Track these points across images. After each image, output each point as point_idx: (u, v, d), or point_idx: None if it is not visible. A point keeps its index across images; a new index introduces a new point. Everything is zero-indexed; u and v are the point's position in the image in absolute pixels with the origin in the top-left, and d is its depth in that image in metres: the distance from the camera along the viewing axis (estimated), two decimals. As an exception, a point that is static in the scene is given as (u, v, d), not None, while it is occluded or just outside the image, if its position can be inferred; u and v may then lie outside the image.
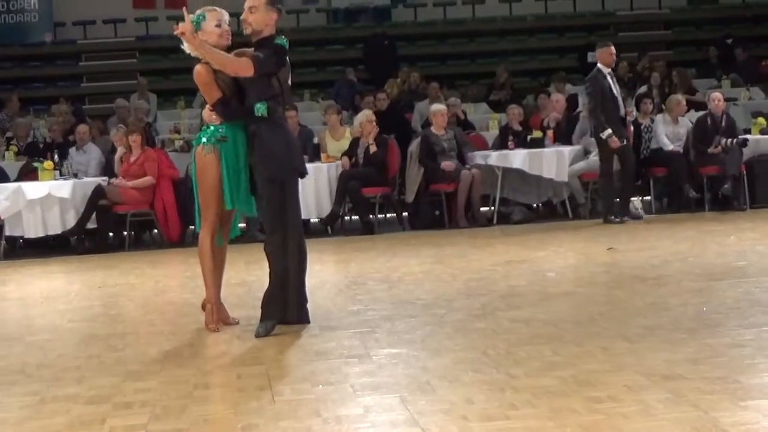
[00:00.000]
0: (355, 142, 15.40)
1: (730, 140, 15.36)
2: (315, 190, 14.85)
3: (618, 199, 14.75)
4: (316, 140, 16.26)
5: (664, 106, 16.44)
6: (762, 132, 16.28)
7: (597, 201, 15.54)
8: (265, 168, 7.53)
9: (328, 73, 22.69)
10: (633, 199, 15.27)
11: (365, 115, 15.53)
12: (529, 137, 15.91)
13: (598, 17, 24.69)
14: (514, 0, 24.71)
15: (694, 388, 5.21)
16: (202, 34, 7.64)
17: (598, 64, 14.81)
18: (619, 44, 16.55)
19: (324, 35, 23.92)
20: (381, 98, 17.64)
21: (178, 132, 17.88)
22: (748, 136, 15.83)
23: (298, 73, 23.18)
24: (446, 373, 5.93)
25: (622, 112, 14.59)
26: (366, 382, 5.87)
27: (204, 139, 7.83)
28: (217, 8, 7.90)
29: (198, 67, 7.71)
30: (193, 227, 15.14)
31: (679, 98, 16.47)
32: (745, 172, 15.49)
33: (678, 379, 5.40)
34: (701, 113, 16.29)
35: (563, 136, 16.18)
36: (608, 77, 14.60)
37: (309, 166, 14.81)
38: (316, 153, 15.75)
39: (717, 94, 16.13)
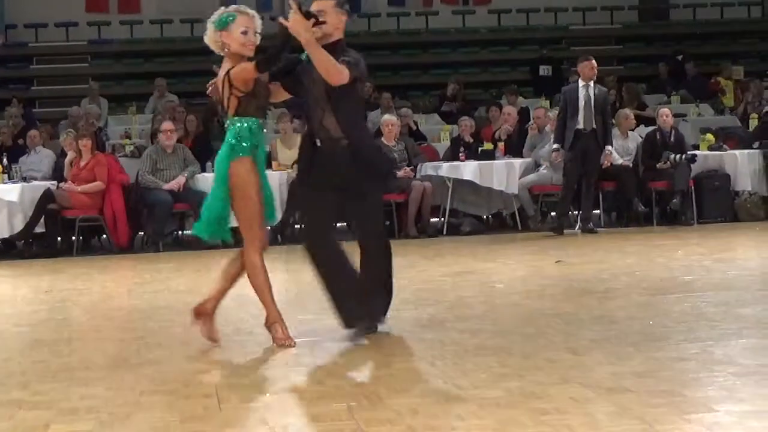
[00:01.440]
0: (306, 151, 15.36)
1: (678, 156, 15.48)
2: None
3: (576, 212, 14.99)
4: (267, 148, 16.20)
5: (614, 121, 16.54)
6: (710, 148, 16.43)
7: (548, 213, 15.65)
8: (374, 171, 7.37)
9: (282, 82, 22.60)
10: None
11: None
12: (480, 149, 15.98)
13: (551, 31, 24.85)
14: (467, 12, 24.86)
15: (639, 401, 5.24)
16: (226, 35, 7.10)
17: (578, 77, 14.92)
18: (570, 58, 16.66)
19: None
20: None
21: (128, 137, 17.80)
22: (696, 152, 15.97)
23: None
24: (393, 383, 5.94)
25: (581, 125, 14.64)
26: (313, 390, 5.87)
27: (240, 153, 7.09)
28: (250, 12, 7.24)
29: (249, 65, 6.99)
30: (142, 233, 15.18)
31: (628, 113, 16.61)
32: (693, 187, 15.63)
33: (624, 392, 5.43)
34: (651, 128, 16.42)
35: (514, 149, 16.27)
36: (583, 90, 14.67)
37: (260, 173, 15.06)
38: (268, 161, 15.68)
39: (666, 110, 16.28)
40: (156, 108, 19.73)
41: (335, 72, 6.98)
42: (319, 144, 7.26)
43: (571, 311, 8.29)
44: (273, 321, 7.21)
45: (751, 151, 16.28)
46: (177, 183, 14.68)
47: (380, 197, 7.68)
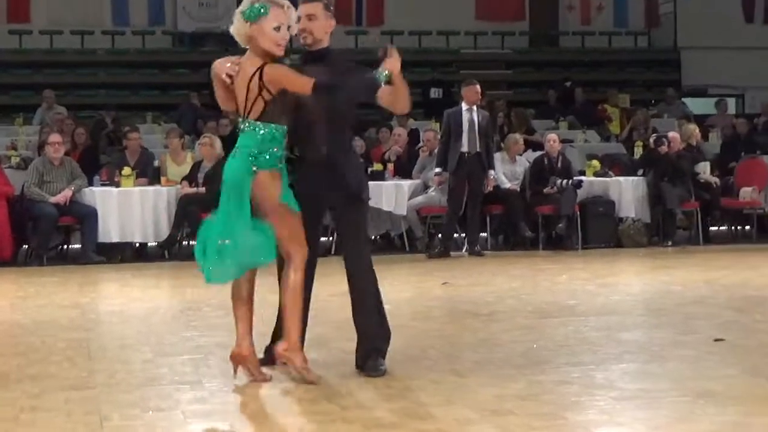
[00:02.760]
0: (196, 167, 15.30)
1: (565, 181, 15.69)
2: (153, 213, 14.74)
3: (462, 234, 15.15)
4: (156, 163, 16.11)
5: (503, 145, 16.71)
6: (596, 174, 16.67)
7: (435, 235, 15.74)
8: (360, 186, 7.11)
9: (172, 97, 22.50)
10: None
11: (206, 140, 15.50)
12: (369, 170, 16.01)
13: (442, 54, 25.06)
14: (359, 32, 24.93)
15: (522, 423, 5.30)
16: (256, 29, 6.45)
17: (462, 101, 15.04)
18: (461, 81, 16.80)
19: (169, 58, 23.75)
20: (224, 124, 17.58)
21: (15, 149, 17.53)
22: (582, 178, 16.19)
23: (142, 95, 23.16)
24: (278, 403, 5.93)
25: (465, 149, 14.76)
26: (197, 409, 5.83)
27: (263, 166, 6.43)
28: (285, 2, 6.58)
29: (303, 81, 6.41)
30: (26, 246, 14.95)
31: (517, 137, 16.79)
32: (578, 212, 15.83)
33: (507, 415, 5.49)
34: (539, 153, 16.62)
35: (403, 170, 16.35)
36: (467, 114, 14.79)
37: (148, 189, 14.96)
38: (156, 176, 15.60)
39: (553, 135, 16.50)
40: (44, 120, 19.50)
41: (407, 103, 7.11)
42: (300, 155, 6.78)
43: (456, 333, 8.36)
44: (291, 347, 6.57)
45: (636, 178, 16.54)
46: (63, 196, 14.49)
47: (357, 216, 7.11)
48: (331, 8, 7.07)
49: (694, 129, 17.82)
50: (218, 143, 15.49)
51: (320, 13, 6.97)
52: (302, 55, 7.11)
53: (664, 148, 16.33)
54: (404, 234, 15.88)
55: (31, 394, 6.31)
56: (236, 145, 6.54)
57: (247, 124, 6.45)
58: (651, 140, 17.14)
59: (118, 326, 8.18)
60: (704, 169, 17.04)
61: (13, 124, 20.20)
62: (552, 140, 16.19)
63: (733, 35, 25.70)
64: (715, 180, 16.94)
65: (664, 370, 6.65)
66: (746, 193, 16.90)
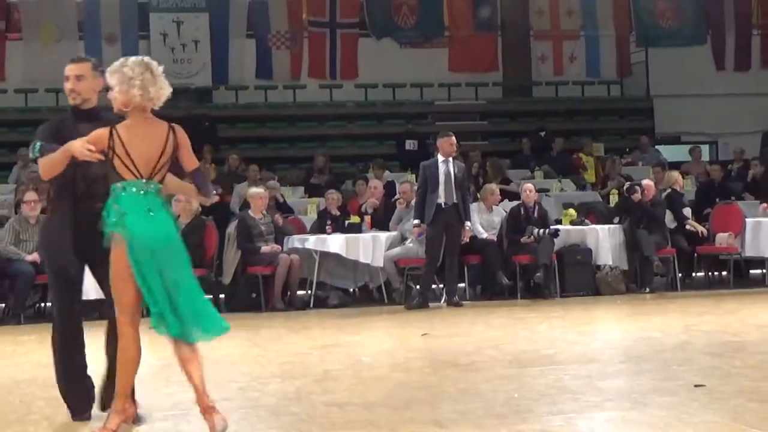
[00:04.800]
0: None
1: (542, 230, 15.74)
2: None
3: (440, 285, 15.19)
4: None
5: (479, 195, 16.77)
6: (572, 223, 16.73)
7: (413, 287, 15.76)
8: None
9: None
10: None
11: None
12: (347, 222, 16.04)
13: (417, 106, 25.16)
14: (334, 86, 25.05)
15: (504, 473, 5.30)
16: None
17: (438, 153, 15.08)
18: (436, 132, 16.89)
19: (144, 114, 23.73)
20: (200, 179, 17.58)
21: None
22: (559, 227, 16.26)
23: (117, 152, 23.12)
24: (260, 457, 5.90)
25: (441, 200, 14.79)
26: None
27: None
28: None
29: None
30: (3, 305, 14.86)
31: (493, 188, 16.86)
32: (556, 261, 15.88)
33: (489, 464, 5.48)
34: (515, 203, 16.68)
35: (380, 222, 16.39)
36: (443, 165, 14.84)
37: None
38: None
39: (529, 185, 16.57)
40: (19, 178, 19.44)
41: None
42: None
43: (436, 384, 8.34)
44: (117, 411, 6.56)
45: (612, 226, 16.61)
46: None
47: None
48: (99, 68, 7.18)
49: (677, 175, 17.98)
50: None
51: (88, 74, 7.16)
52: (73, 112, 7.22)
53: (637, 196, 16.43)
54: (382, 286, 15.88)
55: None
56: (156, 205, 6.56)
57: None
58: (624, 188, 17.23)
59: (95, 382, 8.12)
60: (689, 215, 17.21)
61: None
62: (528, 190, 16.26)
63: (704, 83, 25.96)
64: (702, 230, 17.02)
65: (646, 417, 6.65)
66: (722, 238, 16.97)
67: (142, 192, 6.45)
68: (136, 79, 6.49)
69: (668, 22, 27.17)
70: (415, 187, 15.69)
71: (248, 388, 8.34)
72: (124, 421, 6.56)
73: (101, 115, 7.10)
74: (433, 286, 15.43)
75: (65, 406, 7.18)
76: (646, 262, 16.21)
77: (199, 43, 24.52)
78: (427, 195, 14.86)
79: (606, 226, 16.59)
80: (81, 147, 6.43)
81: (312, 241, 15.66)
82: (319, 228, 16.18)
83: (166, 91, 6.61)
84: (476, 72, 25.96)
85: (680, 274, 16.89)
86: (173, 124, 6.64)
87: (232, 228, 15.53)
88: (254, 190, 15.97)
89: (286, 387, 8.33)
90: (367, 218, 16.37)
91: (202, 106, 24.13)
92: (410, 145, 22.72)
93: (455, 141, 15.20)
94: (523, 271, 16.01)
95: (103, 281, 6.91)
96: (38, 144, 6.75)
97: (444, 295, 15.18)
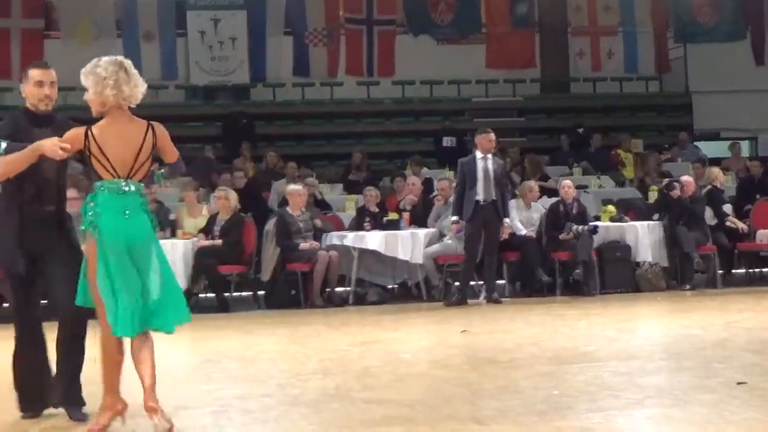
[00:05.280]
0: (212, 220, 15.36)
1: (581, 227, 15.68)
2: (170, 266, 14.68)
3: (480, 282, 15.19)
4: (173, 216, 16.16)
5: (517, 192, 16.73)
6: (611, 219, 16.65)
7: (452, 283, 15.73)
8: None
9: (186, 150, 22.29)
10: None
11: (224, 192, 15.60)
12: (385, 219, 16.04)
13: (454, 103, 25.14)
14: (371, 83, 25.05)
15: (545, 470, 5.28)
16: None
17: (476, 150, 15.05)
18: (473, 129, 16.87)
19: (182, 112, 23.83)
20: (238, 176, 17.65)
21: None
22: (598, 223, 16.19)
23: (156, 149, 23.25)
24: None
25: (480, 197, 14.77)
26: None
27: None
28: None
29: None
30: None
31: (532, 184, 16.81)
32: (595, 258, 15.82)
33: (530, 462, 5.47)
34: (554, 200, 16.63)
35: (419, 219, 16.37)
36: (481, 162, 14.81)
37: (165, 242, 14.92)
38: (172, 229, 15.65)
39: (568, 182, 16.51)
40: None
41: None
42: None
43: (475, 381, 8.32)
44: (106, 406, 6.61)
45: (652, 222, 16.53)
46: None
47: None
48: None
49: (717, 172, 17.87)
50: (233, 196, 15.57)
51: (55, 79, 7.27)
52: (27, 117, 7.18)
53: (676, 192, 16.35)
54: (421, 282, 15.87)
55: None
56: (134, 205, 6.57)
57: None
58: (665, 184, 17.15)
59: (136, 379, 8.15)
60: (730, 212, 17.10)
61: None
62: (567, 186, 16.21)
63: (744, 78, 25.76)
64: (743, 226, 16.92)
65: (687, 415, 6.62)
66: (763, 235, 16.86)
67: (120, 192, 6.47)
68: (110, 79, 6.52)
69: (706, 18, 26.98)
70: (453, 184, 15.67)
71: (288, 384, 8.35)
72: (116, 416, 6.58)
73: (55, 118, 7.16)
74: (472, 282, 15.40)
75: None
76: (687, 258, 16.12)
77: (236, 41, 24.56)
78: (466, 192, 14.83)
79: (645, 223, 16.52)
80: (53, 146, 6.45)
81: (350, 238, 15.67)
82: (357, 225, 16.19)
83: (141, 88, 6.68)
84: (514, 69, 25.90)
85: (721, 271, 16.78)
86: (153, 122, 6.68)
87: (270, 225, 15.56)
88: (293, 187, 15.99)
89: (326, 384, 8.34)
90: (406, 215, 16.36)
91: (240, 103, 24.21)
92: (448, 141, 22.70)
93: (494, 138, 15.17)
94: (562, 268, 15.95)
95: (52, 283, 6.98)
96: (3, 142, 6.74)
97: (483, 291, 15.15)
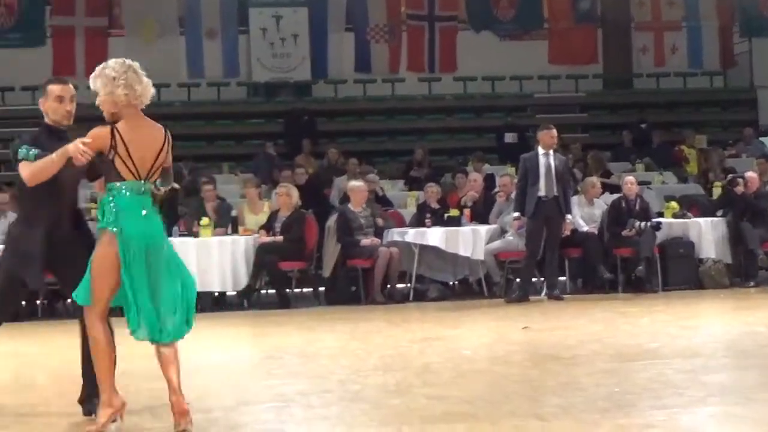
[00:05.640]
0: (273, 216, 15.41)
1: (643, 223, 15.57)
2: (232, 262, 14.78)
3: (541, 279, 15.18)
4: (234, 213, 16.23)
5: (579, 188, 16.64)
6: (674, 216, 16.53)
7: (513, 280, 15.68)
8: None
9: (248, 147, 22.73)
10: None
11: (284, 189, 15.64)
12: (446, 215, 16.01)
13: (516, 99, 25.04)
14: (433, 79, 25.03)
15: (607, 467, 5.25)
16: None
17: (538, 146, 15.00)
18: (535, 125, 16.80)
19: (244, 109, 23.98)
20: (300, 173, 17.71)
21: (94, 201, 17.73)
22: (661, 220, 16.07)
23: (218, 146, 23.41)
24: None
25: (542, 193, 14.69)
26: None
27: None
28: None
29: None
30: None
31: (594, 181, 16.72)
32: (658, 254, 15.70)
33: (591, 459, 5.44)
34: (616, 196, 16.52)
35: (480, 215, 16.32)
36: (544, 158, 14.75)
37: (226, 238, 15.06)
38: (234, 226, 15.72)
39: (630, 178, 16.40)
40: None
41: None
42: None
43: (537, 377, 8.30)
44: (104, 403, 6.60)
45: (715, 219, 16.40)
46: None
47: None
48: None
49: (781, 167, 17.72)
50: (295, 192, 15.60)
51: (75, 93, 7.22)
52: (47, 130, 7.15)
53: (740, 188, 16.21)
54: (482, 279, 15.83)
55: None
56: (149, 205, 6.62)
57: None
58: (728, 180, 16.99)
59: (198, 375, 8.22)
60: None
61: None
62: (629, 183, 16.10)
63: (810, 73, 25.47)
64: None
65: (751, 413, 6.56)
66: (831, 232, 16.65)
67: (138, 193, 6.51)
68: (120, 79, 6.50)
69: (772, 12, 26.69)
70: (515, 180, 15.61)
71: (348, 380, 8.36)
72: (115, 413, 6.58)
73: (67, 134, 7.11)
74: (534, 279, 15.35)
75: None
76: (751, 255, 15.98)
77: (298, 38, 24.62)
78: (528, 188, 14.77)
79: (709, 219, 16.38)
80: (76, 147, 6.45)
81: (411, 234, 15.65)
82: (418, 221, 16.17)
83: (151, 89, 6.66)
84: (576, 64, 25.76)
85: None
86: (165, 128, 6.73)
87: (331, 221, 15.58)
88: (354, 183, 16.01)
89: (387, 380, 8.35)
90: (467, 211, 16.31)
91: (302, 100, 24.27)
92: (509, 137, 22.62)
93: (556, 134, 15.09)
94: (624, 265, 15.83)
95: (68, 285, 6.96)
96: (34, 150, 6.74)
97: (544, 288, 15.10)
